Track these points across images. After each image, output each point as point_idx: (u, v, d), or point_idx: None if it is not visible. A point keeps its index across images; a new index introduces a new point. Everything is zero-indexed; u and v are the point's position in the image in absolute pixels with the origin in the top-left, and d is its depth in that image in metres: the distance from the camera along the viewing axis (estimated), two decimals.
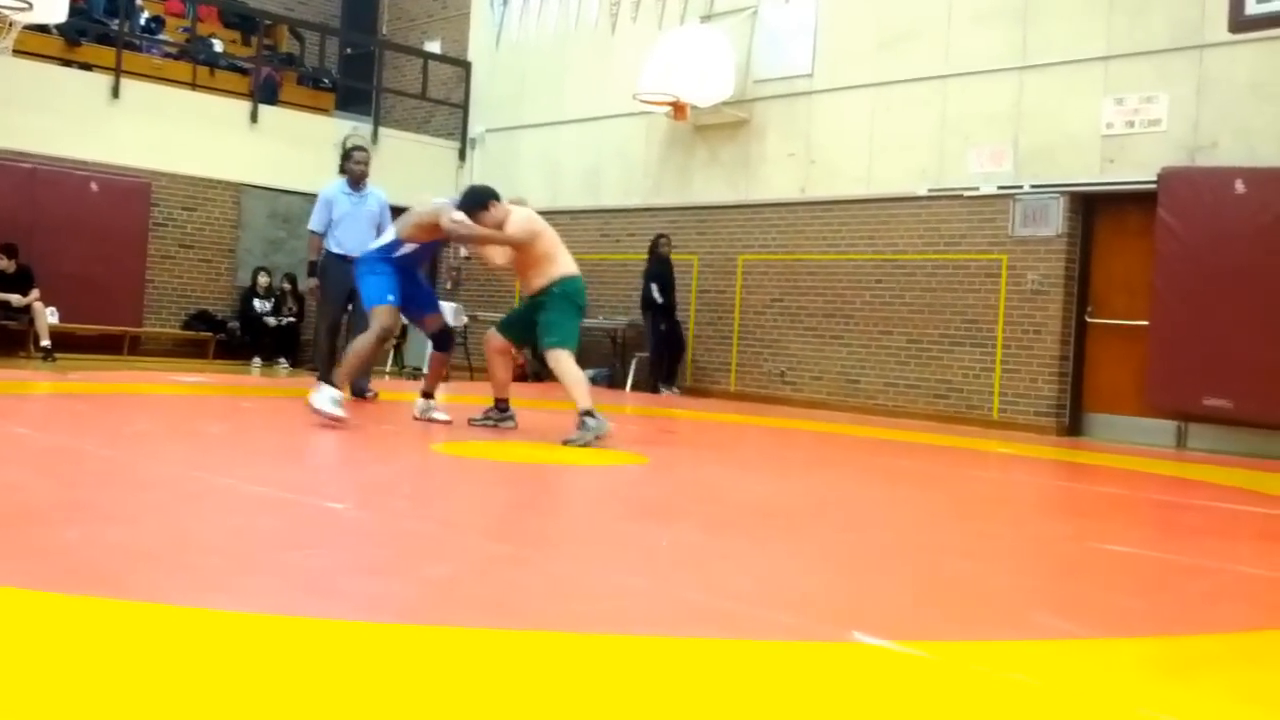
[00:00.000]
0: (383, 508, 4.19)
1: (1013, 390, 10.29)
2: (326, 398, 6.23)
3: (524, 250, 6.59)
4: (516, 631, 2.42)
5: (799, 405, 11.48)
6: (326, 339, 8.65)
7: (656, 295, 12.29)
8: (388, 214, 8.48)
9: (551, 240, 6.66)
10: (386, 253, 6.75)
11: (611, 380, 12.86)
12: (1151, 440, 9.48)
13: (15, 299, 11.36)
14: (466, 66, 15.62)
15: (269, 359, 13.01)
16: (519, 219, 6.56)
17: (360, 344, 6.61)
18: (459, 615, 2.54)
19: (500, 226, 6.52)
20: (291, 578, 2.83)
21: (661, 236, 12.49)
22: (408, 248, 6.74)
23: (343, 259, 8.21)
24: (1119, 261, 10.03)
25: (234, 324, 13.44)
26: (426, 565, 3.11)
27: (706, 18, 12.66)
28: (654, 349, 12.43)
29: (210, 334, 13.39)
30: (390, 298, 6.62)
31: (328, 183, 8.95)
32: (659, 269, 12.39)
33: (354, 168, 8.54)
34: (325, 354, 8.51)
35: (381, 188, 8.86)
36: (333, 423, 6.15)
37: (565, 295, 6.59)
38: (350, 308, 8.43)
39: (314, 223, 8.56)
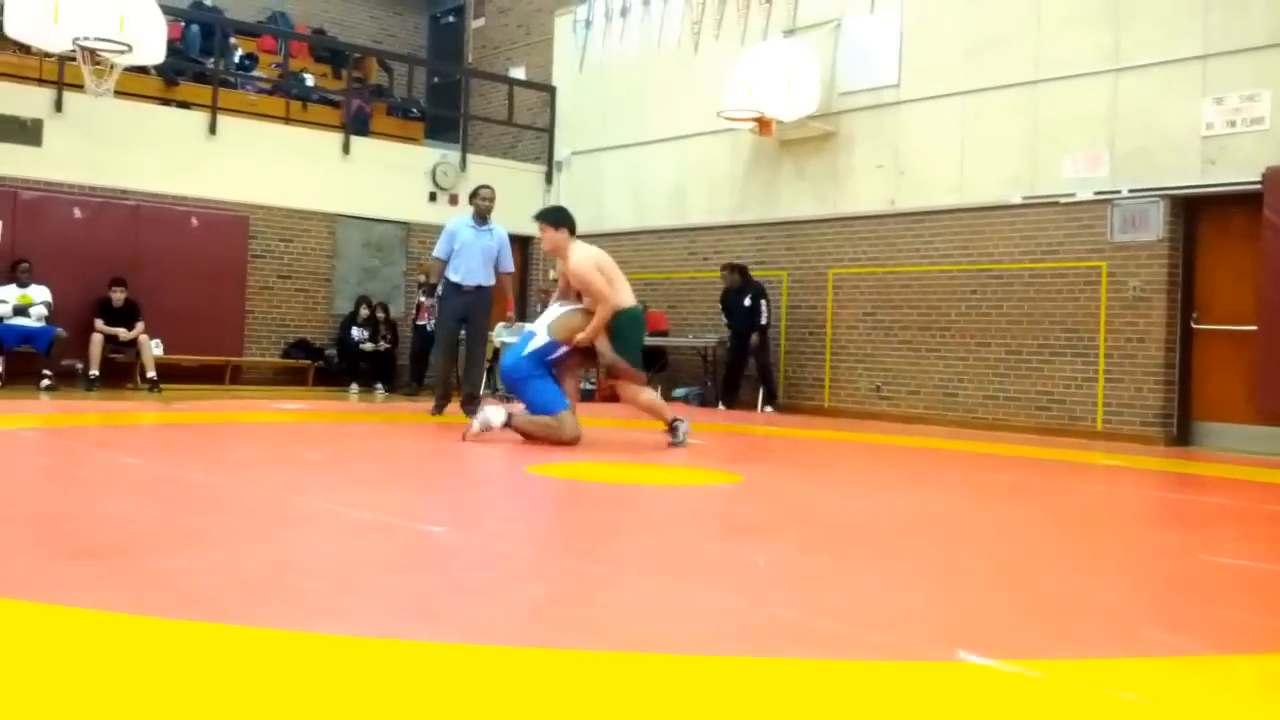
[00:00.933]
0: (479, 530, 4.21)
1: (1117, 400, 10.04)
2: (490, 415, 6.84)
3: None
4: (612, 653, 2.40)
5: (895, 420, 11.33)
6: (443, 361, 9.49)
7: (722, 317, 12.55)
8: (507, 249, 9.26)
9: (612, 269, 7.21)
10: (544, 355, 6.97)
11: (703, 399, 12.82)
12: (1264, 449, 9.17)
13: (122, 333, 11.71)
14: (551, 91, 15.77)
15: (366, 385, 13.22)
16: (583, 259, 7.09)
17: (560, 434, 6.86)
18: (555, 636, 2.54)
19: (562, 250, 7.23)
20: (391, 601, 2.86)
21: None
22: (563, 350, 7.02)
23: (459, 288, 9.06)
24: (1224, 265, 9.74)
25: (331, 351, 13.69)
26: (522, 586, 3.11)
27: (790, 32, 12.62)
28: (725, 366, 12.52)
29: (309, 362, 13.65)
30: (566, 401, 6.95)
31: (452, 215, 9.78)
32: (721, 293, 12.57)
33: (480, 204, 9.22)
34: (441, 375, 9.52)
35: (503, 225, 9.48)
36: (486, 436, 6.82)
37: (630, 322, 7.28)
38: (463, 334, 9.44)
39: (438, 250, 9.25)
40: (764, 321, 12.15)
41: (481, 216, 9.17)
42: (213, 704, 1.97)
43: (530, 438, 6.86)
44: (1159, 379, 9.83)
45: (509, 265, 9.33)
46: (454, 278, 9.05)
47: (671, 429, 7.19)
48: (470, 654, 2.35)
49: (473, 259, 9.04)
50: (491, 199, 9.26)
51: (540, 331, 7.02)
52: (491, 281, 9.19)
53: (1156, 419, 9.82)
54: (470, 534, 4.07)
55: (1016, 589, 3.41)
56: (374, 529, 3.93)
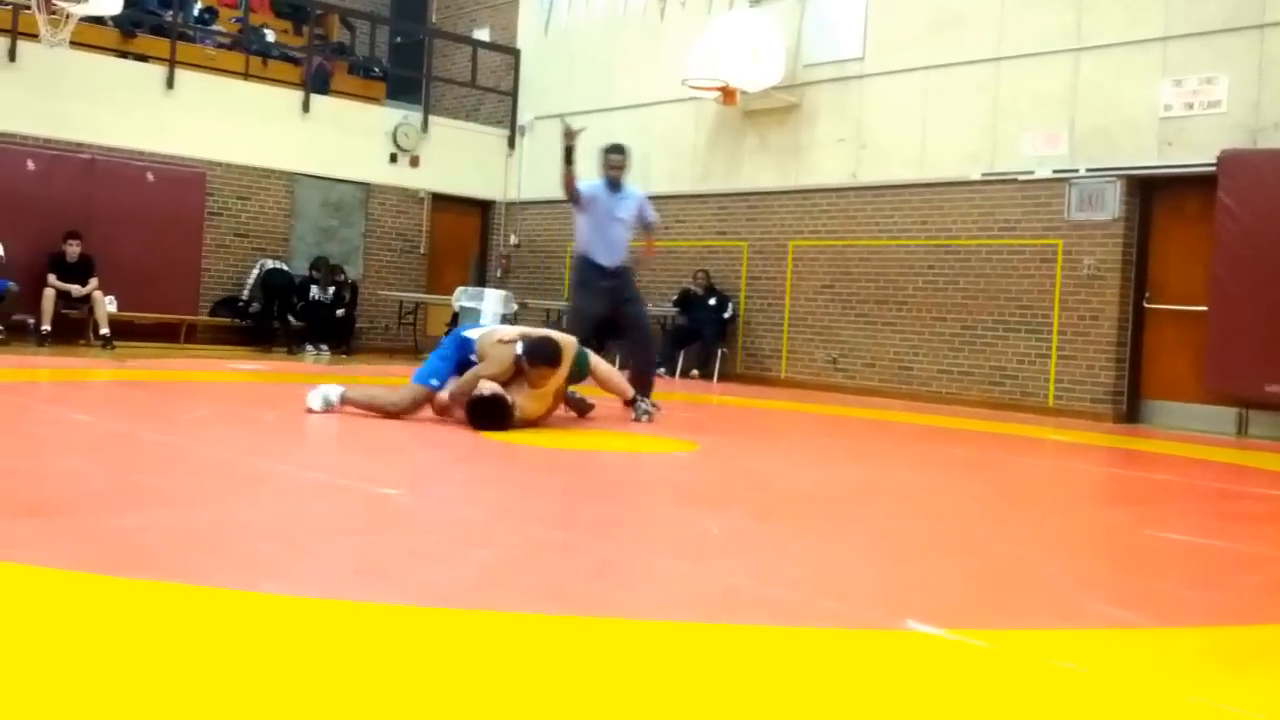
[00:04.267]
0: (434, 493, 4.22)
1: (1069, 377, 10.16)
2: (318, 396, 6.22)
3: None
4: (565, 617, 2.42)
5: (851, 392, 11.41)
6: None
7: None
8: (648, 208, 7.90)
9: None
10: (468, 350, 6.32)
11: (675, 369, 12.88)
12: (1211, 427, 9.33)
13: (75, 289, 11.54)
14: (515, 54, 15.64)
15: (317, 345, 13.09)
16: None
17: (388, 400, 6.27)
18: (507, 600, 2.55)
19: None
20: (343, 563, 2.86)
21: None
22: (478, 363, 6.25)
23: (600, 270, 7.54)
24: (1177, 246, 9.86)
25: (254, 307, 13.35)
26: (476, 550, 3.12)
27: (756, 2, 12.58)
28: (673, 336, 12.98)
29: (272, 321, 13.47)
30: (434, 382, 6.29)
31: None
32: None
33: (608, 172, 7.70)
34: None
35: (639, 186, 8.15)
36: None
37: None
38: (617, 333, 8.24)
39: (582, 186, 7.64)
40: (729, 315, 12.69)
41: (615, 184, 7.65)
42: (163, 664, 1.97)
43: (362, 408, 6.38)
44: (1110, 357, 9.96)
45: (653, 216, 8.01)
46: (593, 257, 7.57)
47: (633, 404, 6.95)
48: (422, 616, 2.36)
49: (613, 231, 7.58)
50: (621, 165, 7.73)
51: (489, 332, 6.43)
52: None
53: (1107, 396, 9.95)
54: (424, 497, 4.07)
55: (965, 561, 3.46)
56: (328, 490, 3.92)
